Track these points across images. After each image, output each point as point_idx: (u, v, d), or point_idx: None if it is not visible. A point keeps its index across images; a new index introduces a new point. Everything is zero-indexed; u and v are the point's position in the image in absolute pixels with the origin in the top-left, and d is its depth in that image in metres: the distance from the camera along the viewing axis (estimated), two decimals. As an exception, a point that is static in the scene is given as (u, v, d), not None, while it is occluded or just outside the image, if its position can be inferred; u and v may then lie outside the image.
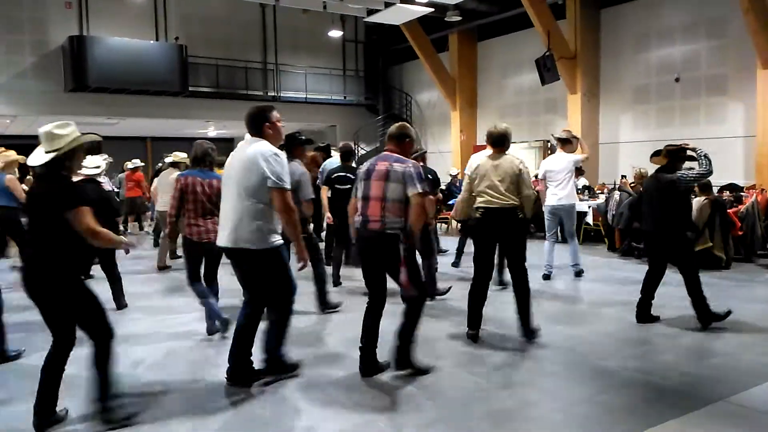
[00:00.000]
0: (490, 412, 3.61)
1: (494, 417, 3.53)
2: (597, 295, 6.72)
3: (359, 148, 18.79)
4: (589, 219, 10.69)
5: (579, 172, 12.75)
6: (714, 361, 4.50)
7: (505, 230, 4.91)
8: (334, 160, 8.04)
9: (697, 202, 8.21)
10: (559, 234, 7.85)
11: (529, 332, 4.95)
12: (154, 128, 21.43)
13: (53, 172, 3.26)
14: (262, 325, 4.09)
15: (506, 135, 5.05)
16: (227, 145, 19.06)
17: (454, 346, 4.87)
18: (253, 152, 3.68)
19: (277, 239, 3.81)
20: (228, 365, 4.01)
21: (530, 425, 3.45)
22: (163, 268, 8.58)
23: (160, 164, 11.61)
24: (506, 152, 5.04)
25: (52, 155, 3.22)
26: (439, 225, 12.63)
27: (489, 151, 5.15)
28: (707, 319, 5.29)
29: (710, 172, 5.24)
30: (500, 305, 6.18)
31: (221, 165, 4.34)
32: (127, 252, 3.70)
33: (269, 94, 19.28)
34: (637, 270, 5.60)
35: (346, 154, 7.34)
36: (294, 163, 5.46)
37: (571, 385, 4.05)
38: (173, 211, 5.10)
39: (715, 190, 9.01)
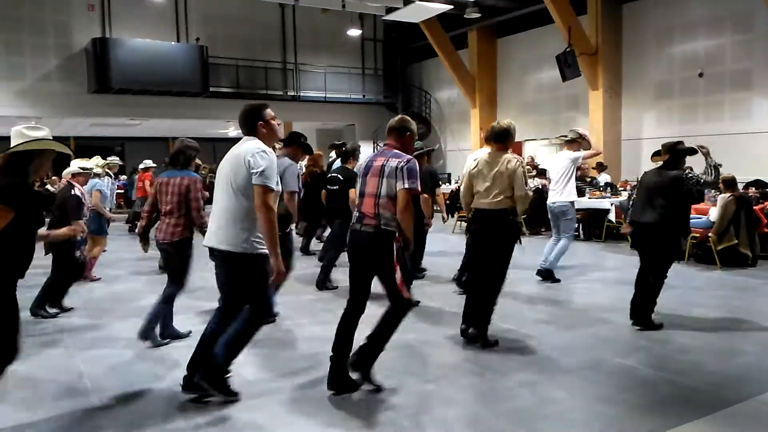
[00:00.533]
0: (510, 409, 3.58)
1: (515, 414, 3.50)
2: (618, 293, 6.62)
3: (378, 146, 18.80)
4: (612, 216, 10.55)
5: (601, 167, 12.68)
6: (739, 361, 4.42)
7: (492, 232, 4.72)
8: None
9: (722, 198, 8.08)
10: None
11: (485, 341, 4.68)
12: (175, 129, 21.68)
13: (4, 170, 3.11)
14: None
15: (509, 130, 4.82)
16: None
17: (473, 345, 4.83)
18: (243, 149, 3.60)
19: (264, 248, 3.58)
20: (185, 373, 3.70)
21: (550, 423, 3.42)
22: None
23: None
24: (508, 151, 4.85)
25: (8, 152, 3.14)
26: (458, 224, 12.57)
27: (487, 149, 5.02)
28: (644, 321, 5.14)
29: (716, 184, 5.13)
30: (518, 304, 6.14)
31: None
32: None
33: (289, 93, 19.41)
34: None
35: (345, 155, 7.41)
36: (285, 157, 5.42)
37: (591, 384, 4.01)
38: (148, 208, 5.01)
39: (740, 186, 8.85)
